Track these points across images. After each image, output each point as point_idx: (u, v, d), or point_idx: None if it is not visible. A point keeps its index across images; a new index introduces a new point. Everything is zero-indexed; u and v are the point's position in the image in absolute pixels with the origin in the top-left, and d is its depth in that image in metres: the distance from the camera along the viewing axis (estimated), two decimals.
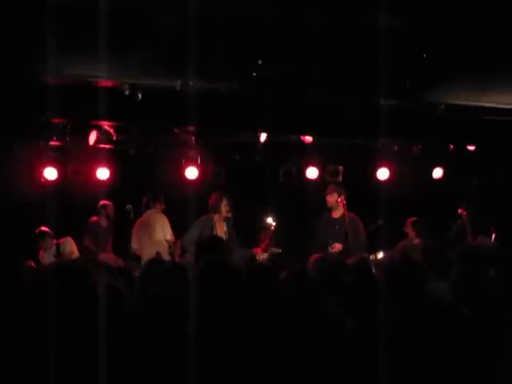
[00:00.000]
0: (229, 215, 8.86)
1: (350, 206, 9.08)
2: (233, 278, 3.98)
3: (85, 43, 6.76)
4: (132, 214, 9.53)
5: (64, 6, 6.28)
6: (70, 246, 9.05)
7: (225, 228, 8.83)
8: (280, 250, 8.91)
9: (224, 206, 8.81)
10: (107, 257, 6.40)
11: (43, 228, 8.94)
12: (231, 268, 4.12)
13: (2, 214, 9.06)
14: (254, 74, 7.42)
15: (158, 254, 9.07)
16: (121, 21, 6.59)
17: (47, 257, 8.80)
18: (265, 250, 9.10)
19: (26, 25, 6.66)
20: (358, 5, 6.46)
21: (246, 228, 9.42)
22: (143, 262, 8.39)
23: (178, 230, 9.42)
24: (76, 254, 8.89)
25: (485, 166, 10.08)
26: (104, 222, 9.80)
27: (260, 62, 7.31)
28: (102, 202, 9.77)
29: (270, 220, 9.36)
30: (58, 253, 8.87)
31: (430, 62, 7.43)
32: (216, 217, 8.84)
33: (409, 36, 7.02)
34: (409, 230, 9.44)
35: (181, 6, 6.54)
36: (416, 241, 9.18)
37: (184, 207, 8.47)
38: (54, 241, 9.01)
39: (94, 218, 9.79)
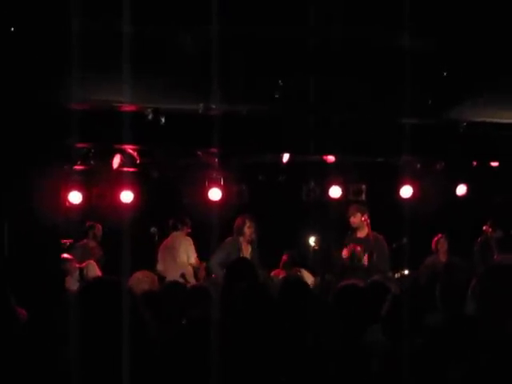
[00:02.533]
0: (253, 237, 8.90)
1: (373, 225, 9.07)
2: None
3: (108, 68, 6.83)
4: (157, 237, 9.56)
5: (88, 31, 6.36)
6: (93, 270, 9.05)
7: (249, 250, 8.88)
8: (302, 270, 8.90)
9: (248, 229, 8.86)
10: (144, 275, 6.40)
11: (64, 255, 8.96)
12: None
13: (28, 237, 9.13)
14: (277, 96, 7.46)
15: (182, 275, 9.10)
16: (143, 46, 6.66)
17: (72, 282, 8.81)
18: (286, 271, 9.08)
19: (51, 51, 6.76)
20: (381, 27, 6.48)
21: (270, 248, 9.42)
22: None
23: (203, 251, 9.43)
24: None
25: (508, 181, 10.03)
26: (92, 243, 9.74)
27: (281, 82, 7.36)
28: (88, 223, 9.72)
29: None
30: (82, 276, 8.89)
31: (451, 79, 7.43)
32: (241, 239, 8.90)
33: (430, 55, 7.04)
34: (440, 245, 9.41)
35: (202, 29, 6.61)
36: (443, 257, 9.14)
37: (208, 228, 8.49)
38: (77, 265, 9.03)
39: (83, 241, 9.70)
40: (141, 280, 6.09)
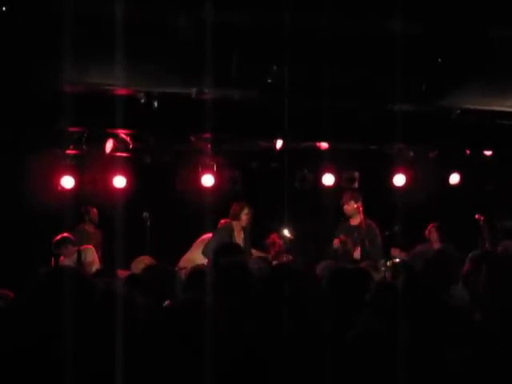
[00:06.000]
0: (247, 224, 8.90)
1: (366, 212, 9.06)
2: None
3: (101, 52, 6.80)
4: (148, 222, 9.51)
5: (81, 15, 6.33)
6: (91, 255, 8.94)
7: (242, 236, 8.89)
8: (291, 257, 8.89)
9: (245, 215, 8.91)
10: (143, 259, 6.42)
11: (66, 234, 8.89)
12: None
13: (20, 222, 9.11)
14: (270, 81, 7.43)
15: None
16: (136, 30, 6.63)
17: (68, 263, 8.72)
18: (275, 258, 9.07)
19: (43, 34, 6.72)
20: (372, 11, 6.46)
21: (262, 235, 9.41)
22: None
23: (194, 237, 9.39)
24: (97, 263, 8.81)
25: (502, 170, 10.03)
26: (90, 228, 9.68)
27: (275, 68, 7.33)
28: (84, 207, 9.64)
29: (286, 232, 9.27)
30: (79, 260, 8.81)
31: (445, 66, 7.41)
32: (235, 224, 8.93)
33: (423, 41, 7.01)
34: (432, 233, 9.39)
35: (196, 14, 6.58)
36: (436, 245, 9.15)
37: (200, 215, 8.47)
38: (76, 248, 8.96)
39: (80, 225, 9.61)
40: (138, 263, 6.18)
